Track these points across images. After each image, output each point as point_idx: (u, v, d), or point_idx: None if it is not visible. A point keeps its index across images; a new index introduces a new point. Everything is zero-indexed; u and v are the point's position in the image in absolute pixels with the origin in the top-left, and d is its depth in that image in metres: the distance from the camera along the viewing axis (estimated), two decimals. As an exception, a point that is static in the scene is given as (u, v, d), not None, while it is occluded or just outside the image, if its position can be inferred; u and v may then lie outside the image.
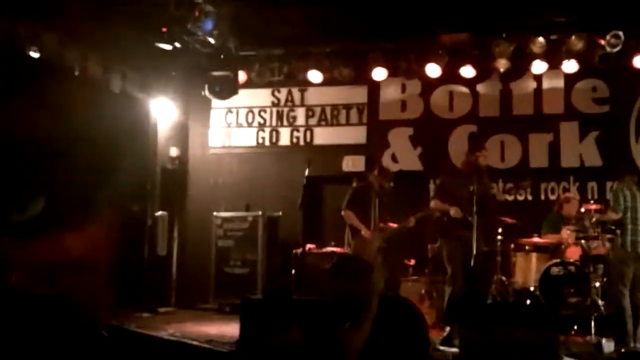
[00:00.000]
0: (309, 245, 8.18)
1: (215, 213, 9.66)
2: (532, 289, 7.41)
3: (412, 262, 8.09)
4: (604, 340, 6.17)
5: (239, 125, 10.24)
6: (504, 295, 7.29)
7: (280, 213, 9.61)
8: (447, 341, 6.25)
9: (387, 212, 7.24)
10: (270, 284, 9.20)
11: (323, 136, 9.97)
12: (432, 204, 7.19)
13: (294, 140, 10.05)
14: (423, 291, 7.78)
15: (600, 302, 6.89)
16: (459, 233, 6.73)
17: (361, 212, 7.18)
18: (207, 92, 9.10)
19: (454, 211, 6.76)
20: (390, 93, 9.80)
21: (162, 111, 9.68)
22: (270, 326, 4.52)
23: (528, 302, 7.20)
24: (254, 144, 10.20)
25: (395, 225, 7.18)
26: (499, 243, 7.55)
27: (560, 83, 9.23)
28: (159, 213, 9.41)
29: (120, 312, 8.09)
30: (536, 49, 8.76)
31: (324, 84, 9.71)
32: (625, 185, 6.47)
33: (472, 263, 6.45)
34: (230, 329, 6.84)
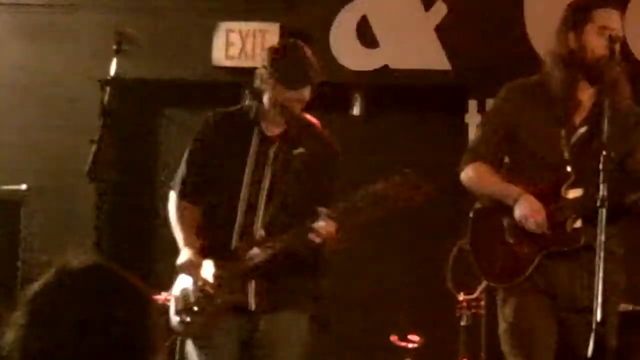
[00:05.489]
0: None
1: None
2: None
3: (415, 340, 8.03)
4: None
5: None
6: None
7: (25, 187, 9.30)
8: None
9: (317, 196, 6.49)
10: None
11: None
12: (467, 174, 6.54)
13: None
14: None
15: None
16: (545, 266, 6.09)
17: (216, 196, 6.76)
18: None
19: (528, 212, 6.13)
20: None
21: None
22: None
23: None
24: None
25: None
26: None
27: None
28: None
29: None
30: None
31: None
32: None
33: (590, 351, 5.65)
34: None
